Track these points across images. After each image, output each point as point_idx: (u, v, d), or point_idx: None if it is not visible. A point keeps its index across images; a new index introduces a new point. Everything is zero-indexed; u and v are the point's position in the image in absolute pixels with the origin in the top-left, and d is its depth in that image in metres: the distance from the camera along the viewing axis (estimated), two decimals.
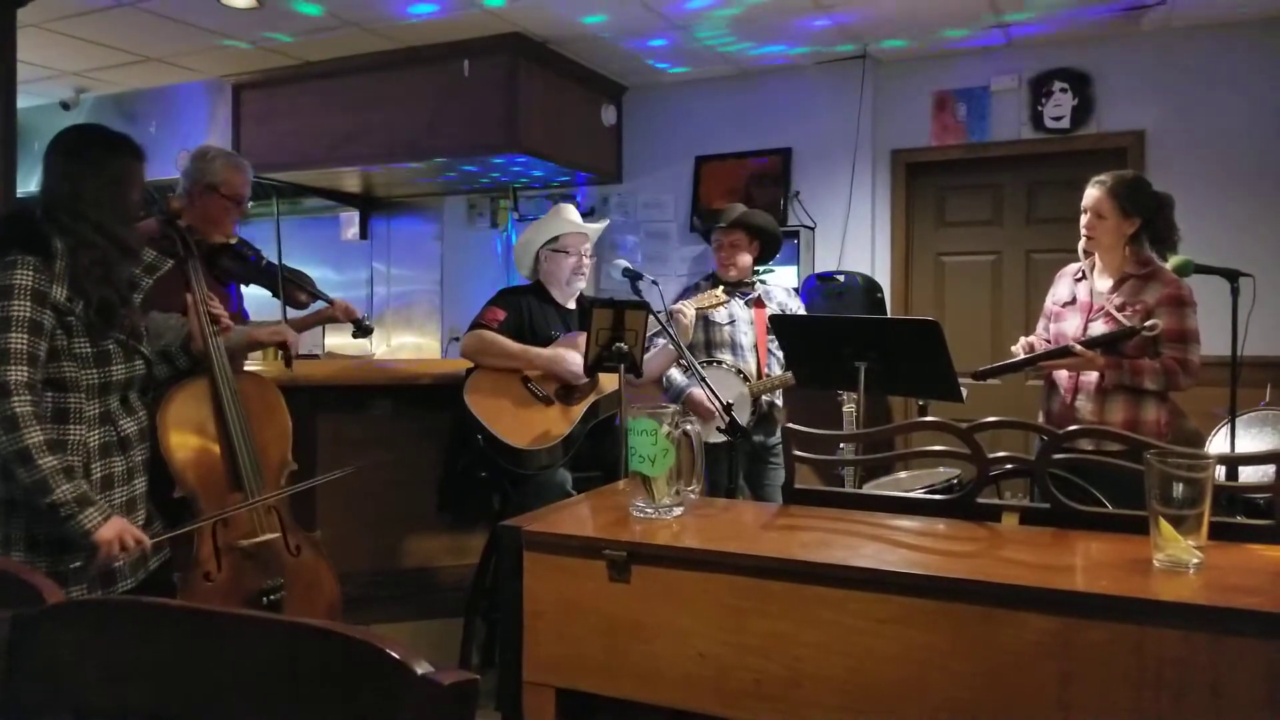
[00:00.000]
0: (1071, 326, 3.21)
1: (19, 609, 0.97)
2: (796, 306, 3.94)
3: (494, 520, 3.33)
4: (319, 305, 3.30)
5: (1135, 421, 3.08)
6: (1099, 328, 3.12)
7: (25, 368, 2.09)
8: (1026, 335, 3.33)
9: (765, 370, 3.72)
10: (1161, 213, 3.17)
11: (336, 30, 4.90)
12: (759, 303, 3.82)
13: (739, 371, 3.67)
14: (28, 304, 2.10)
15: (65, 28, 4.89)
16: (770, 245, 3.89)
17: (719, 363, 3.70)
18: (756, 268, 3.92)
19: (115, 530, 2.16)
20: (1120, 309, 3.10)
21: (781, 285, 4.03)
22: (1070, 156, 4.89)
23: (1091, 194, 3.17)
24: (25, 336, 2.09)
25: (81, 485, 2.13)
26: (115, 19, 4.76)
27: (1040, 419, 3.30)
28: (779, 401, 3.83)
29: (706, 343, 3.77)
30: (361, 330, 3.28)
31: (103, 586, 2.24)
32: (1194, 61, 4.66)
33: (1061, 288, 3.35)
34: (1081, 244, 3.23)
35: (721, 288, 3.71)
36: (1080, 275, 3.28)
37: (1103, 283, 3.21)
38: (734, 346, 3.75)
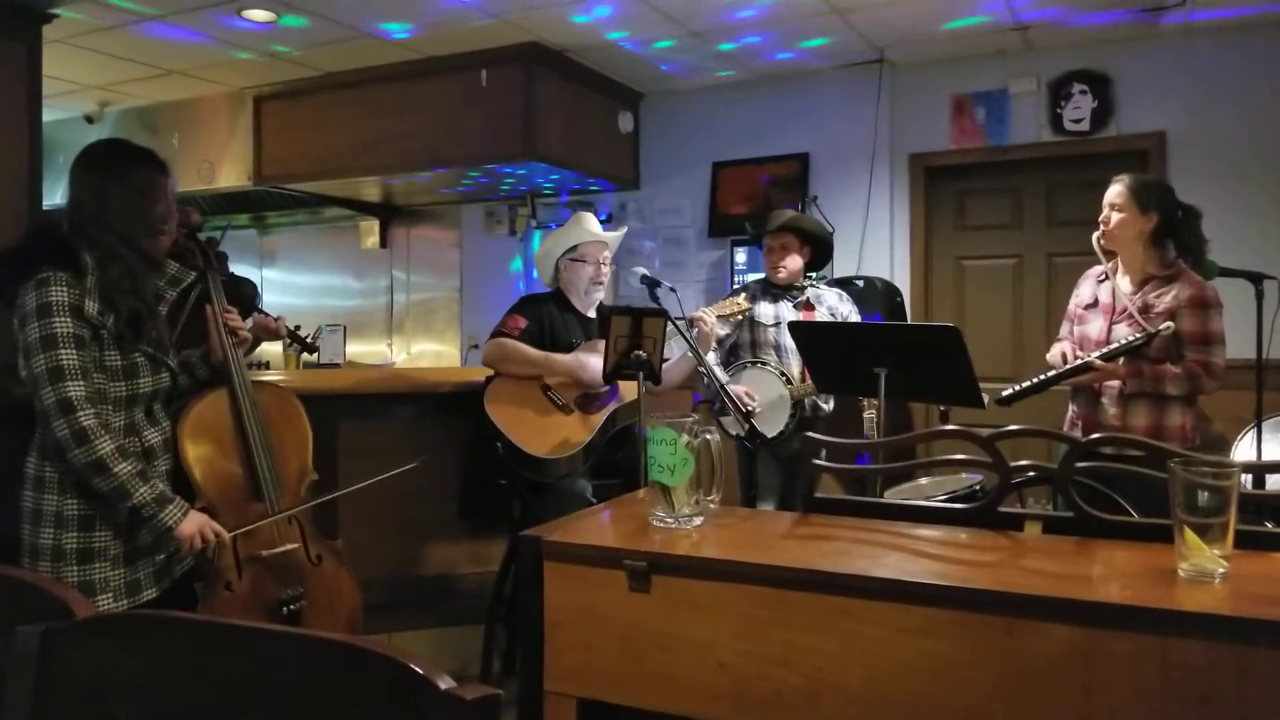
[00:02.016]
0: (1095, 329, 3.19)
1: (49, 623, 0.98)
2: (849, 311, 3.91)
3: (514, 527, 3.34)
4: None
5: (1159, 427, 3.04)
6: (1122, 330, 3.09)
7: (82, 382, 2.14)
8: (1051, 340, 3.31)
9: (809, 375, 3.71)
10: (1186, 220, 3.14)
11: (355, 41, 4.93)
12: (807, 306, 3.83)
13: (782, 374, 3.67)
14: (69, 319, 2.15)
15: (89, 43, 4.95)
16: (822, 250, 3.91)
17: (762, 363, 3.71)
18: (809, 274, 3.94)
19: (196, 525, 2.29)
20: (1144, 310, 3.07)
21: (834, 290, 4.02)
22: (1090, 159, 4.86)
23: (1110, 189, 3.17)
24: (74, 352, 2.15)
25: (158, 485, 2.24)
26: (138, 34, 4.81)
27: (1068, 417, 3.29)
28: (827, 406, 3.82)
29: (751, 343, 3.80)
30: (301, 344, 3.12)
31: (128, 595, 2.26)
32: (1214, 62, 4.62)
33: (1085, 290, 3.32)
34: (1096, 235, 3.19)
35: (744, 295, 3.73)
36: (1103, 277, 3.25)
37: (1126, 284, 3.17)
38: (778, 349, 3.77)
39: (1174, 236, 3.15)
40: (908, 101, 5.26)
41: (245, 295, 3.17)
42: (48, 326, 2.13)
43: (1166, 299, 3.05)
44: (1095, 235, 3.20)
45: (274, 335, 3.02)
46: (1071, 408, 3.30)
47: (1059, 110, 4.91)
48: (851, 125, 5.29)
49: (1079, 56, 4.87)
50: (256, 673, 0.90)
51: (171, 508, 2.25)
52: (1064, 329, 3.38)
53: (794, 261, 3.83)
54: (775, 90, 5.51)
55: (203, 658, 0.93)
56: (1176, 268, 3.12)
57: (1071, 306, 3.37)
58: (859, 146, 5.27)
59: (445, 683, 0.81)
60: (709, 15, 4.51)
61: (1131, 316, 3.09)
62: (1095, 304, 3.24)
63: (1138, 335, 2.99)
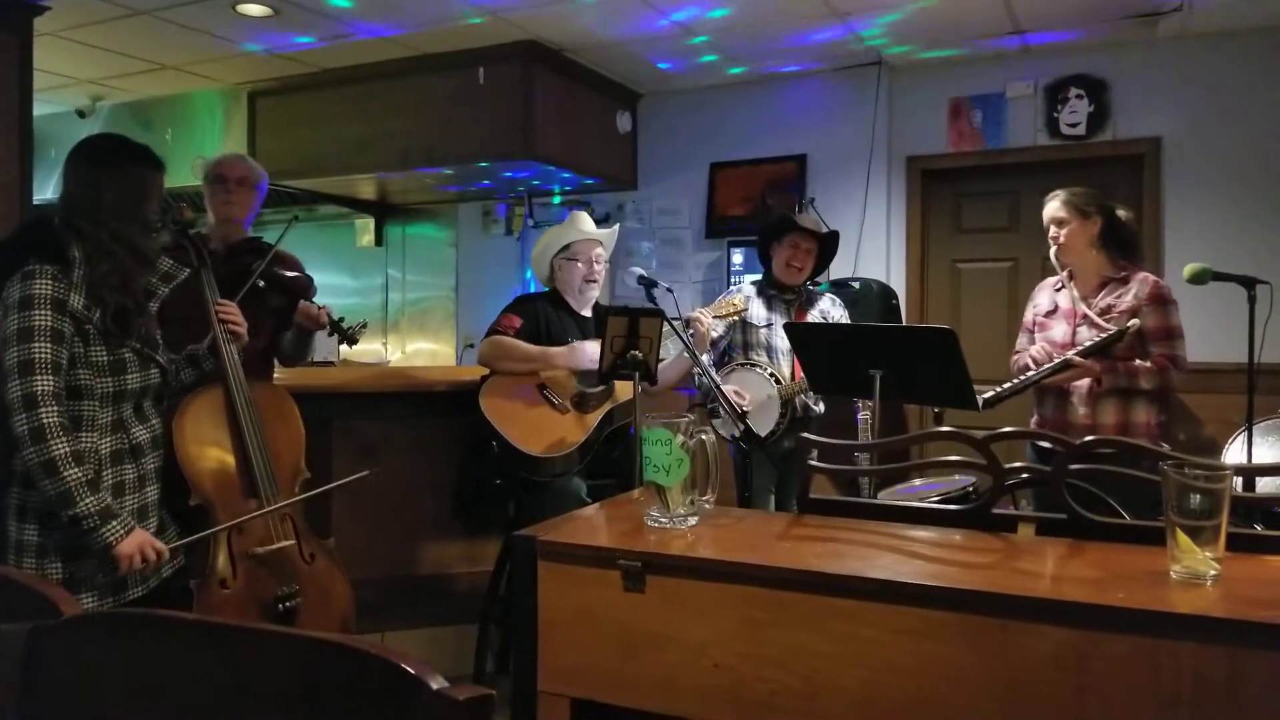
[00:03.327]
0: (1059, 334, 3.30)
1: (36, 621, 0.98)
2: (840, 315, 3.92)
3: (509, 527, 3.33)
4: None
5: (1126, 424, 3.17)
6: (1085, 333, 3.20)
7: (51, 377, 2.10)
8: (1019, 352, 3.39)
9: (801, 375, 3.71)
10: (1123, 219, 3.30)
11: (351, 38, 4.92)
12: (800, 309, 3.83)
13: (771, 375, 3.67)
14: (49, 313, 2.12)
15: (82, 36, 4.93)
16: (824, 261, 3.92)
17: (752, 365, 3.71)
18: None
19: (136, 544, 2.18)
20: (1105, 312, 3.20)
21: (828, 295, 4.02)
22: (1086, 163, 4.87)
23: (1046, 211, 3.33)
24: (49, 346, 2.11)
25: (105, 498, 2.15)
26: (131, 27, 4.80)
27: (1032, 423, 3.34)
28: (818, 407, 3.82)
29: (744, 344, 3.80)
30: (341, 334, 3.10)
31: (113, 594, 2.24)
32: (1211, 68, 4.64)
33: (1042, 299, 3.45)
34: (1053, 252, 3.35)
35: (739, 296, 3.73)
36: (1059, 286, 3.38)
37: (1083, 289, 3.31)
38: (770, 349, 3.77)
39: (1117, 239, 3.28)
40: (905, 104, 5.26)
41: (300, 287, 3.11)
42: (27, 319, 2.10)
43: (1127, 298, 3.19)
44: (1052, 252, 3.34)
45: (316, 323, 3.02)
46: (1037, 411, 3.37)
47: (1055, 114, 4.92)
48: (849, 127, 5.30)
49: (1076, 61, 4.88)
50: (247, 672, 0.89)
51: (115, 524, 2.14)
52: (1022, 340, 3.47)
53: (809, 267, 3.83)
54: (773, 92, 5.51)
55: (193, 657, 0.93)
56: (1131, 269, 3.27)
57: (1029, 317, 3.47)
58: (856, 149, 5.27)
59: (437, 682, 0.81)
60: (709, 15, 4.51)
61: (1093, 319, 3.20)
62: (1055, 310, 3.35)
63: (1109, 332, 3.10)
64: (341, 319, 3.15)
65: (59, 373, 2.13)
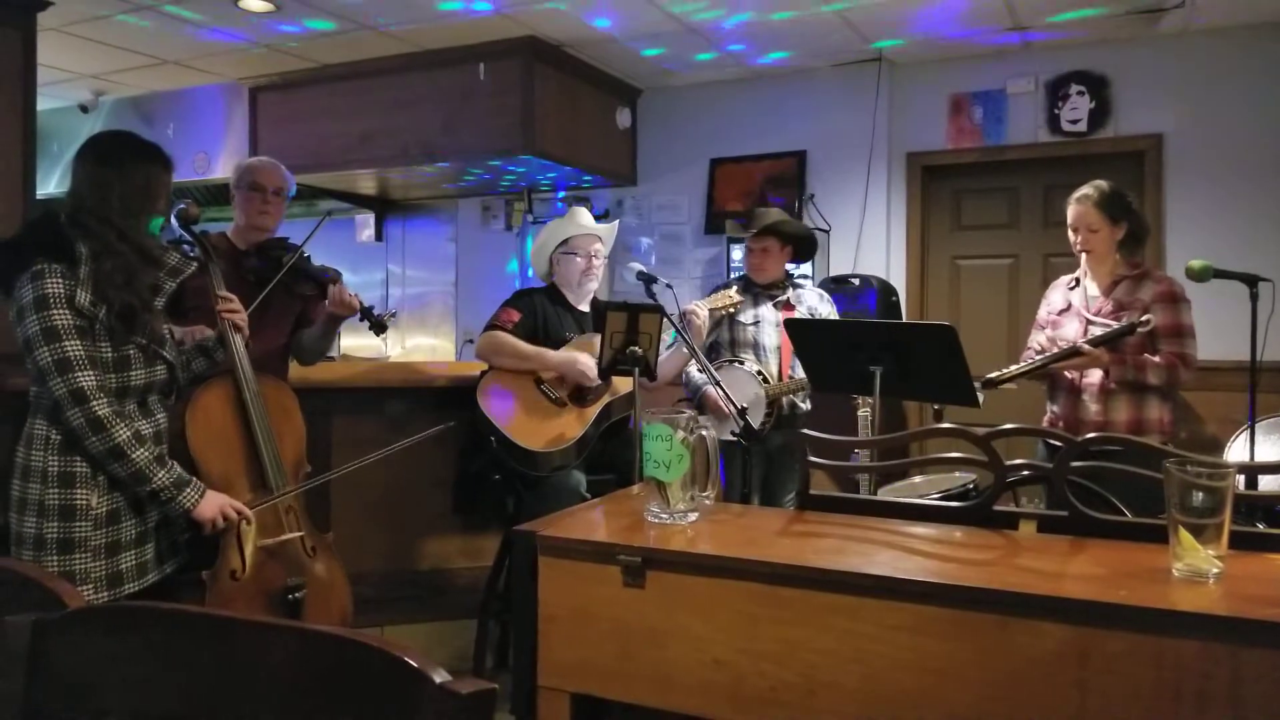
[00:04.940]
0: (1072, 330, 3.29)
1: (40, 614, 0.98)
2: (828, 312, 3.89)
3: (508, 522, 3.34)
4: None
5: (1139, 420, 3.16)
6: (1098, 332, 3.19)
7: (91, 372, 2.16)
8: (1029, 346, 3.39)
9: (789, 373, 3.70)
10: (1140, 215, 3.30)
11: (352, 33, 4.92)
12: (787, 305, 3.81)
13: (759, 373, 3.66)
14: (67, 310, 2.16)
15: (84, 31, 4.93)
16: (804, 247, 3.89)
17: (739, 363, 3.70)
18: (789, 268, 3.92)
19: (215, 507, 2.34)
20: (1118, 309, 3.20)
21: (815, 290, 4.00)
22: (1087, 160, 4.86)
23: (1078, 210, 3.26)
24: (79, 342, 2.16)
25: (175, 469, 2.30)
26: (133, 22, 4.79)
27: (1045, 419, 3.34)
28: (805, 405, 3.81)
29: (731, 342, 3.78)
30: (372, 321, 3.09)
31: (109, 588, 2.25)
32: (1213, 64, 4.63)
33: (1056, 297, 3.44)
34: (1079, 252, 3.31)
35: (735, 289, 3.71)
36: (1073, 284, 3.38)
37: (1094, 288, 3.30)
38: (757, 347, 3.74)
39: (1136, 237, 3.28)
40: (905, 100, 5.26)
41: (330, 277, 3.12)
42: (47, 319, 2.13)
43: (1140, 295, 3.18)
44: (1080, 253, 3.30)
45: (348, 309, 3.04)
46: (1050, 408, 3.37)
47: (1056, 111, 4.91)
48: (849, 123, 5.29)
49: (1077, 57, 4.87)
50: (249, 665, 0.89)
51: (189, 490, 2.29)
52: (1033, 338, 3.46)
53: (775, 264, 3.78)
54: (773, 87, 5.50)
55: (196, 650, 0.93)
56: (1144, 266, 3.28)
57: (1043, 314, 3.46)
58: (856, 145, 5.27)
59: (440, 676, 0.80)
60: (709, 11, 4.50)
61: (1107, 317, 3.19)
62: (1068, 308, 3.35)
63: (1121, 324, 3.10)
64: (371, 306, 3.16)
65: (95, 366, 2.18)
